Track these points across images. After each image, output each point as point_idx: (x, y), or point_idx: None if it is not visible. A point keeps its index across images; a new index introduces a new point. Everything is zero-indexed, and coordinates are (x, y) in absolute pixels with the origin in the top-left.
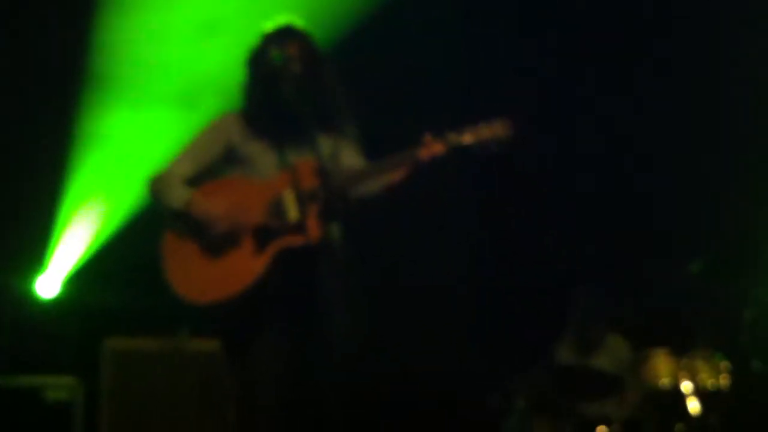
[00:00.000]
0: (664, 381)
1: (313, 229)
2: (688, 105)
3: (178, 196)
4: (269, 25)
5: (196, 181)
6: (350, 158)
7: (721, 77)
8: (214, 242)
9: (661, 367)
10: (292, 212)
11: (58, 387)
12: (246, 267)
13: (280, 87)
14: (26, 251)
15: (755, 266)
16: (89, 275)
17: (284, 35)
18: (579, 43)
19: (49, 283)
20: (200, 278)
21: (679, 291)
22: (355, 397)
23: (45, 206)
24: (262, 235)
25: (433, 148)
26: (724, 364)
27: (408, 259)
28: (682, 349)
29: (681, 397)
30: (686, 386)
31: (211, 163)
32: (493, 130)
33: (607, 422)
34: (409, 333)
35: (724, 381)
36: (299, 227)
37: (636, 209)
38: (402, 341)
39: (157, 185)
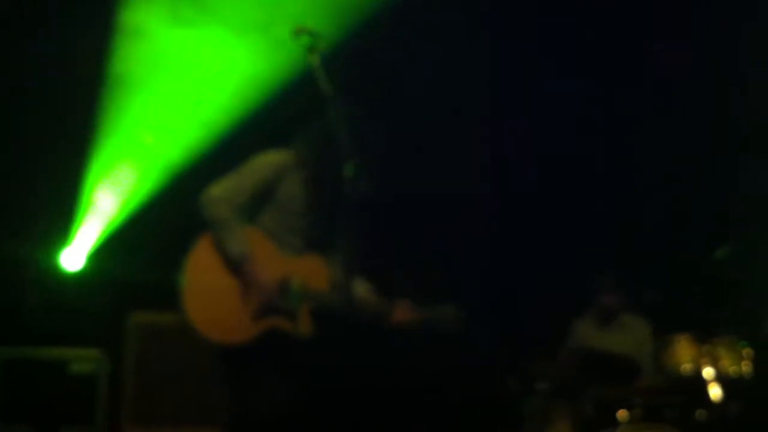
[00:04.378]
0: (686, 367)
1: (303, 323)
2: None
3: (238, 243)
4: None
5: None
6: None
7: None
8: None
9: (683, 353)
10: (294, 299)
11: (83, 359)
12: (245, 326)
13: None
14: (51, 225)
15: None
16: (114, 249)
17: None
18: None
19: (74, 257)
20: (210, 306)
21: (704, 277)
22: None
23: (70, 179)
24: (266, 305)
25: (405, 315)
26: (747, 351)
27: (428, 244)
28: (704, 335)
29: (702, 384)
30: (708, 372)
31: (254, 199)
32: (448, 314)
33: (628, 406)
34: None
35: (746, 368)
36: (293, 315)
37: (663, 196)
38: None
39: (219, 213)
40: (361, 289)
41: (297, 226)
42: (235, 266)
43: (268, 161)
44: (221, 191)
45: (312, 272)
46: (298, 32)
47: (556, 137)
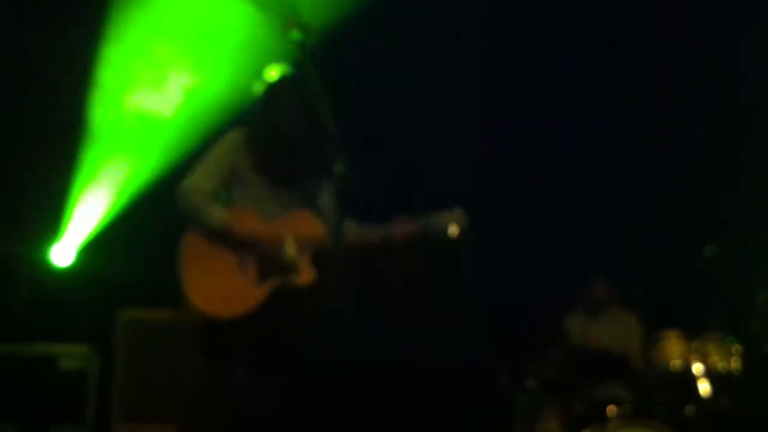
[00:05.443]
0: (675, 363)
1: (305, 273)
2: (701, 93)
3: (216, 216)
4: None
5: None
6: (325, 199)
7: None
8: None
9: (673, 349)
10: (291, 254)
11: (72, 356)
12: (249, 293)
13: (280, 113)
14: (41, 220)
15: None
16: (104, 244)
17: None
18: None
19: (64, 252)
20: (213, 290)
21: (693, 274)
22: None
23: (61, 174)
24: (265, 268)
25: (406, 230)
26: (736, 347)
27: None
28: (694, 331)
29: (692, 379)
30: (697, 368)
31: (223, 183)
32: (453, 217)
33: (617, 403)
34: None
35: (735, 364)
36: (294, 269)
37: (653, 193)
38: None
39: (191, 202)
40: (354, 228)
41: (267, 197)
42: (223, 239)
43: (224, 142)
44: (189, 182)
45: (303, 224)
46: (288, 26)
47: (555, 136)
